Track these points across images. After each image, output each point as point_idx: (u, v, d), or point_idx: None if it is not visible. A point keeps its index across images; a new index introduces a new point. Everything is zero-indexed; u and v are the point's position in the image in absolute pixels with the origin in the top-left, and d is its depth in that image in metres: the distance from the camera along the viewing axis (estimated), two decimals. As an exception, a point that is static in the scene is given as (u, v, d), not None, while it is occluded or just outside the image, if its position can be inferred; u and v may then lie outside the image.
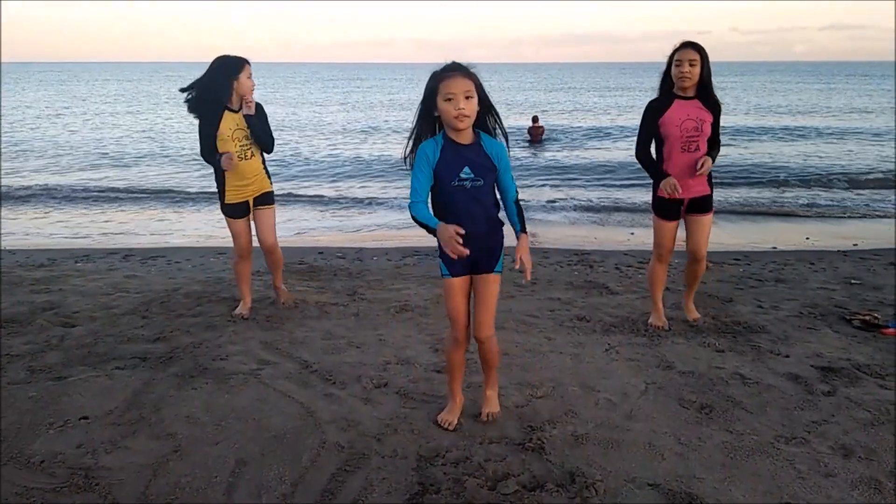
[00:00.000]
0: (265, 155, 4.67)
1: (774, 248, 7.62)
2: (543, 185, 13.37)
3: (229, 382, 3.63)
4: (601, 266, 6.42)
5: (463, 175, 2.80)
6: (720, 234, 8.17)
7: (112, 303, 5.05)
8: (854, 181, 13.18)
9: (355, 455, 2.92)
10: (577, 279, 5.88)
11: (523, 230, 2.95)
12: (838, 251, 7.22)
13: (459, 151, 2.81)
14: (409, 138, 2.89)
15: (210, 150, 4.42)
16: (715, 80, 4.21)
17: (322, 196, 12.27)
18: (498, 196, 2.97)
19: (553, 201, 11.50)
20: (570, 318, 4.73)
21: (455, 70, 2.73)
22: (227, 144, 4.42)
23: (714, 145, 4.23)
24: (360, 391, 3.54)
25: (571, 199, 11.85)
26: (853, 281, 5.78)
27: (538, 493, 2.64)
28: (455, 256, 2.65)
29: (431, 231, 2.75)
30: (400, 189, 12.12)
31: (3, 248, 7.64)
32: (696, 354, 4.07)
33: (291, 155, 17.29)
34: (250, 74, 4.44)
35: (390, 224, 9.87)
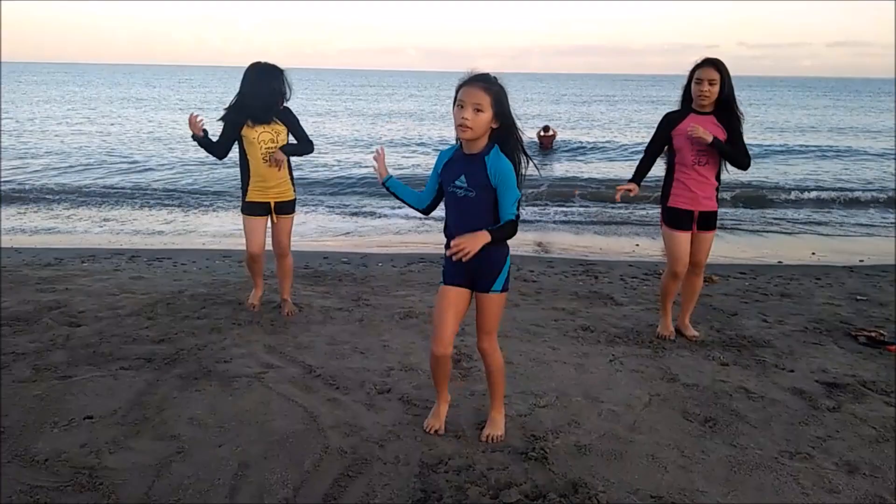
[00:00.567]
0: (295, 159, 4.76)
1: (780, 262, 7.61)
2: (549, 190, 13.33)
3: (233, 385, 3.64)
4: (606, 276, 6.42)
5: (458, 182, 2.84)
6: (726, 248, 8.17)
7: (118, 303, 5.06)
8: (860, 198, 13.17)
9: (358, 461, 2.92)
10: (582, 289, 5.88)
11: (489, 231, 2.70)
12: (844, 266, 7.21)
13: (463, 159, 2.85)
14: None
15: (223, 144, 4.54)
16: None
17: (328, 201, 12.31)
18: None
19: (558, 210, 11.51)
20: (575, 329, 4.73)
21: (476, 80, 2.72)
22: (252, 147, 4.46)
23: (738, 154, 4.22)
24: (364, 397, 3.55)
25: (577, 208, 11.86)
26: (859, 297, 5.76)
27: (540, 502, 2.64)
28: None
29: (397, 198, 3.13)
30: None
31: (10, 246, 7.67)
32: (701, 367, 4.06)
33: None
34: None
35: (395, 230, 9.90)
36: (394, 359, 4.08)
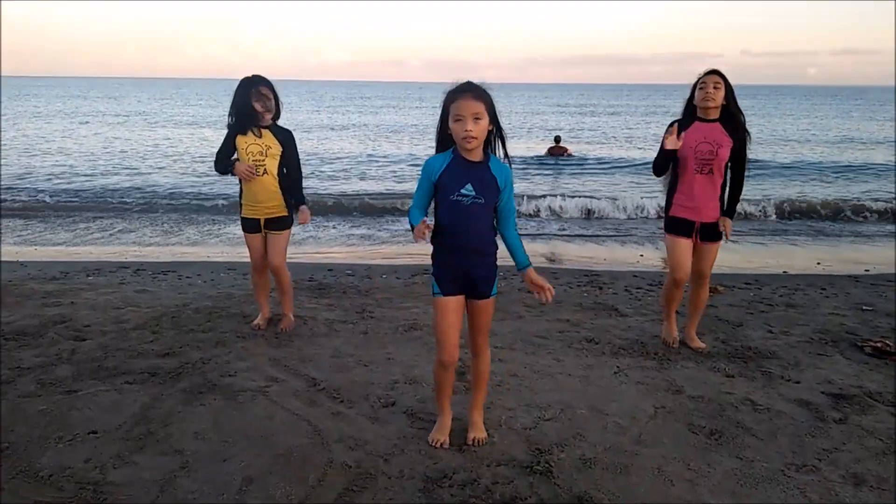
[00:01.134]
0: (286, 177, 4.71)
1: (785, 272, 7.58)
2: (552, 200, 13.32)
3: (238, 399, 3.64)
4: (610, 288, 6.41)
5: (464, 191, 2.87)
6: (731, 258, 8.14)
7: (123, 317, 5.07)
8: (865, 206, 13.12)
9: (362, 475, 2.91)
10: (587, 300, 5.87)
11: (529, 262, 3.00)
12: (849, 276, 7.18)
13: (466, 167, 2.88)
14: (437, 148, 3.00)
15: (224, 157, 4.56)
16: None
17: (333, 215, 12.33)
18: (495, 221, 3.00)
19: (562, 220, 11.51)
20: (580, 340, 4.72)
21: (466, 91, 2.79)
22: (241, 159, 4.50)
23: (736, 185, 4.30)
24: (368, 410, 3.54)
25: (581, 218, 11.86)
26: (865, 307, 5.74)
27: (546, 517, 2.63)
28: (416, 240, 2.80)
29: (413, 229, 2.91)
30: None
31: (16, 259, 7.70)
32: (706, 379, 4.05)
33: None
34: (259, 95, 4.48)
35: (399, 241, 9.90)
36: (398, 371, 4.08)
